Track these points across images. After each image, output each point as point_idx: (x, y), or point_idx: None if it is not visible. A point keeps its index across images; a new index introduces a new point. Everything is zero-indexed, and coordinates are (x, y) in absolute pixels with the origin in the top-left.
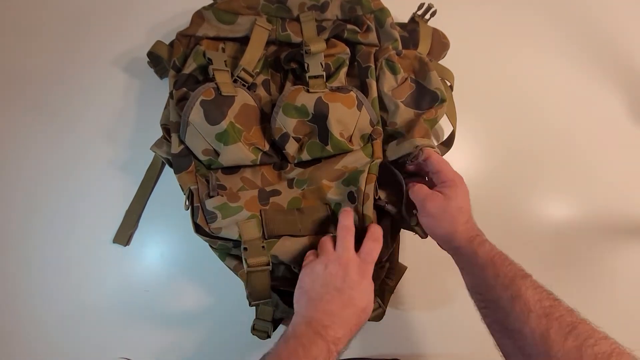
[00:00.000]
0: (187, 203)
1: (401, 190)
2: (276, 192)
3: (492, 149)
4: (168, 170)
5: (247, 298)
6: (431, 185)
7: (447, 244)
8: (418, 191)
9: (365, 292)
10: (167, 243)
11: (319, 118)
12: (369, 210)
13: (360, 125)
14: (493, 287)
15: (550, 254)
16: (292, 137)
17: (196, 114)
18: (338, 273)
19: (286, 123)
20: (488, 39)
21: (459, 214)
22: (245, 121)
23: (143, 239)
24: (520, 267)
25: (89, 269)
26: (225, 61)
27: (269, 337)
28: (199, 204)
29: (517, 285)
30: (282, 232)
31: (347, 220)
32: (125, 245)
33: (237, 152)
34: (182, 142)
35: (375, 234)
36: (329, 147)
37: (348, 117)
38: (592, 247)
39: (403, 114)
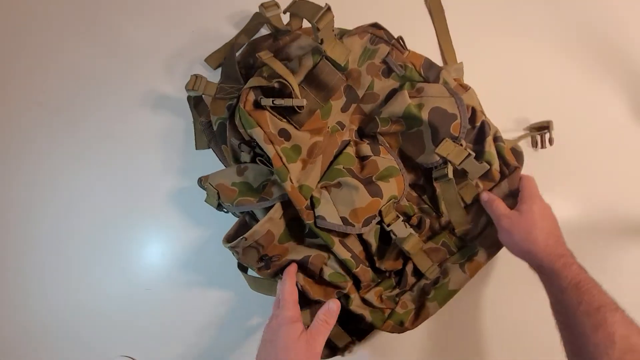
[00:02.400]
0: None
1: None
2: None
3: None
4: (175, 171)
5: None
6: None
7: (529, 261)
8: (495, 208)
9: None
10: (168, 242)
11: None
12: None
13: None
14: (574, 313)
15: None
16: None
17: None
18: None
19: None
20: (488, 39)
21: (534, 230)
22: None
23: (144, 239)
24: (611, 299)
25: (90, 268)
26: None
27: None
28: None
29: (602, 315)
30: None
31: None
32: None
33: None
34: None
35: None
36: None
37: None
38: (592, 247)
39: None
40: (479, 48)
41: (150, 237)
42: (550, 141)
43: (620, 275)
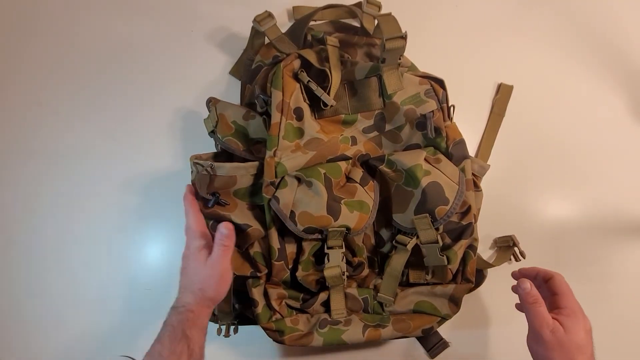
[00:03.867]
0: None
1: None
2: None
3: (492, 149)
4: (175, 172)
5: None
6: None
7: None
8: (538, 311)
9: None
10: (168, 242)
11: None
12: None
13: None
14: None
15: (551, 253)
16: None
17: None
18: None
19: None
20: (489, 38)
21: (577, 354)
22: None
23: (144, 238)
24: None
25: (91, 268)
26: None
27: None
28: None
29: None
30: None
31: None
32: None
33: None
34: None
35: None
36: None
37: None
38: (592, 246)
39: None
40: (480, 47)
41: (150, 237)
42: (522, 254)
43: (620, 275)
